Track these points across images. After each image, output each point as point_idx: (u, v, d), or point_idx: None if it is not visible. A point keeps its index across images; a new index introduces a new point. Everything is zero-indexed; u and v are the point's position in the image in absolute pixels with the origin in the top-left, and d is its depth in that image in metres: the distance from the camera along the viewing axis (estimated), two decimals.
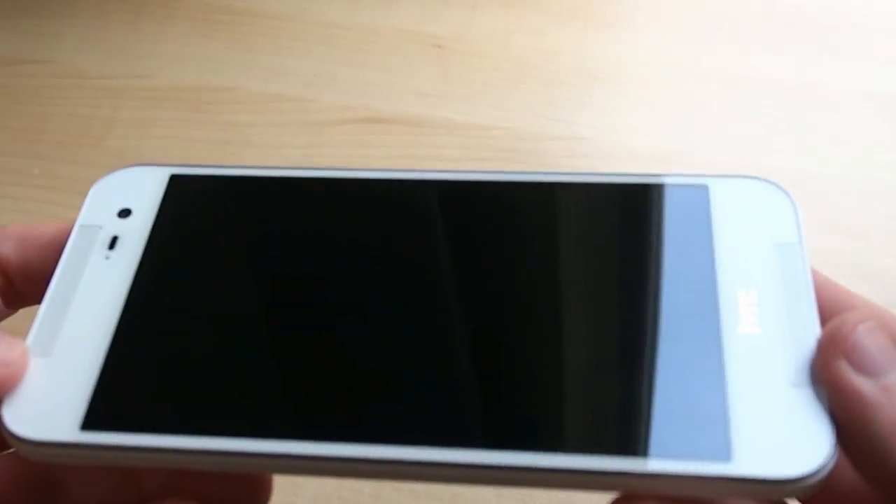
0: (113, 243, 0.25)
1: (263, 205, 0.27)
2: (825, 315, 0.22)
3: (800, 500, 0.21)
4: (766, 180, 0.25)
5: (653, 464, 0.20)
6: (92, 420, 0.22)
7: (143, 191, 0.26)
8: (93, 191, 0.26)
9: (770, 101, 0.54)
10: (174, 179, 0.26)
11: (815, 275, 0.23)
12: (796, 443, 0.20)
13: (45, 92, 0.54)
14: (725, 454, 0.20)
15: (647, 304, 0.23)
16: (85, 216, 0.26)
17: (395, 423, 0.22)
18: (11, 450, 0.24)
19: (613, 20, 0.58)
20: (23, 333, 0.24)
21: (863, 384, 0.19)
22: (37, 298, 0.25)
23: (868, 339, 0.19)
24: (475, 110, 0.53)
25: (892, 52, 0.56)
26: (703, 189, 0.25)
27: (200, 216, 0.26)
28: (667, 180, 0.26)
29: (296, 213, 0.27)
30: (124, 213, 0.26)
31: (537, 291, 0.24)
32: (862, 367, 0.19)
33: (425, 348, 0.23)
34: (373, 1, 0.59)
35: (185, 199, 0.26)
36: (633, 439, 0.21)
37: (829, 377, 0.19)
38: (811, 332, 0.22)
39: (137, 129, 0.52)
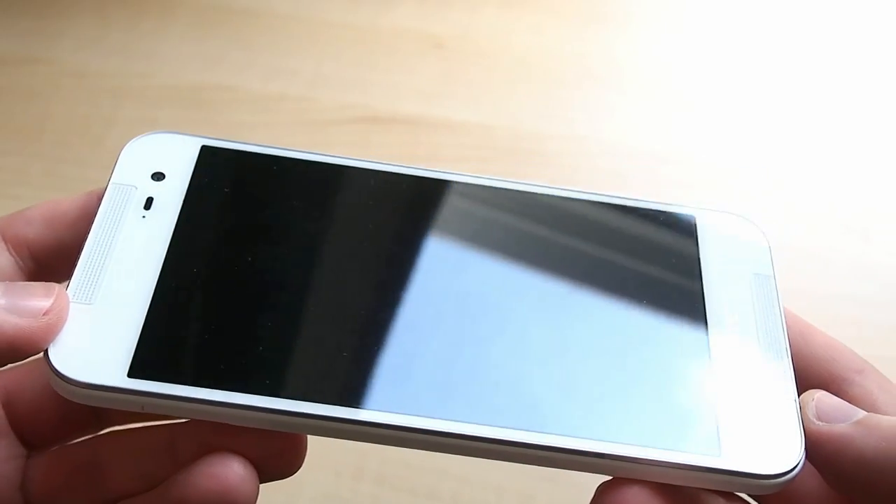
0: (148, 204, 0.27)
1: (293, 177, 0.29)
2: (793, 345, 0.27)
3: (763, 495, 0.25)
4: (744, 217, 0.29)
5: (656, 453, 0.24)
6: (138, 368, 0.23)
7: (175, 157, 0.28)
8: (124, 152, 0.28)
9: (770, 100, 0.54)
10: (206, 149, 0.28)
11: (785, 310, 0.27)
12: (773, 446, 0.24)
13: (45, 92, 0.54)
14: (716, 450, 0.24)
15: (648, 320, 0.27)
16: (118, 175, 0.27)
17: (419, 391, 0.24)
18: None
19: (613, 19, 0.58)
20: None
21: (836, 426, 0.24)
22: (71, 273, 0.25)
23: (827, 402, 0.25)
24: (475, 110, 0.53)
25: None
26: (691, 218, 0.29)
27: (233, 185, 0.28)
28: (661, 207, 0.29)
29: (317, 189, 0.29)
30: (158, 176, 0.27)
31: (549, 289, 0.27)
32: (829, 419, 0.24)
33: (447, 328, 0.26)
34: (373, 0, 0.58)
35: (217, 167, 0.28)
36: (639, 430, 0.24)
37: (811, 432, 0.25)
38: (783, 352, 0.26)
39: (137, 128, 0.52)
